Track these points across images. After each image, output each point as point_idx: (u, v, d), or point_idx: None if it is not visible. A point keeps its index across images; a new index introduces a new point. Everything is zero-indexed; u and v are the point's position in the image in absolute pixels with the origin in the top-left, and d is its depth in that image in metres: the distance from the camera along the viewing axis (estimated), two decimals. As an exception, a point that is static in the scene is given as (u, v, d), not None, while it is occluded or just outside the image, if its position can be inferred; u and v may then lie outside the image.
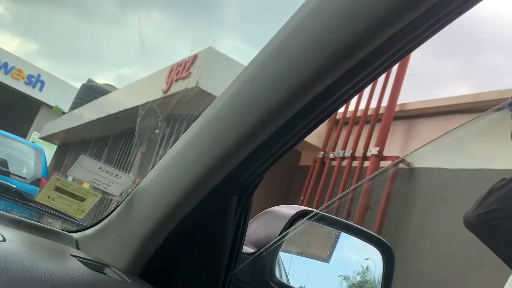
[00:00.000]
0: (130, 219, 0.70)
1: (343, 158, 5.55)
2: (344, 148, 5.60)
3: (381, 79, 5.40)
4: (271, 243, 0.73)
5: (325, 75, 0.50)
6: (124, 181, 0.78)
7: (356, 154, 5.35)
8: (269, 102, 0.53)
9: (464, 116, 4.36)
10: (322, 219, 0.86)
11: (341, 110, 6.08)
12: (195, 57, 6.83)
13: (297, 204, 5.68)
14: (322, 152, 6.00)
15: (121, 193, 0.79)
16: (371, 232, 0.93)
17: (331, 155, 5.80)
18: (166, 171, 0.66)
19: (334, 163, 5.69)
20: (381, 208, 4.65)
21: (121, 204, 0.74)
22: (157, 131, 7.12)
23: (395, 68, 5.21)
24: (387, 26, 0.45)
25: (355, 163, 5.32)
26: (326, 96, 0.52)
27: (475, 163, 4.04)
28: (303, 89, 0.51)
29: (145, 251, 0.67)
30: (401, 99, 5.16)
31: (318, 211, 0.83)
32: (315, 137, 6.28)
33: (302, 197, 5.82)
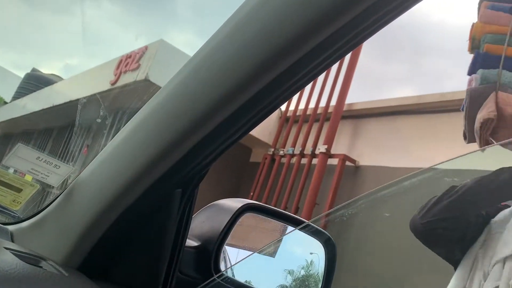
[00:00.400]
0: (69, 211, 0.68)
1: (293, 155, 5.63)
2: (293, 145, 5.68)
3: (330, 79, 5.51)
4: (215, 237, 0.73)
5: (269, 69, 0.50)
6: (64, 171, 0.74)
7: (305, 152, 5.44)
8: (214, 94, 0.53)
9: (408, 116, 4.54)
10: (267, 213, 0.86)
11: (292, 108, 6.16)
12: (145, 49, 6.69)
13: (246, 200, 5.72)
14: (272, 149, 6.05)
15: (60, 184, 0.76)
16: (315, 226, 0.94)
17: (281, 152, 5.86)
18: (107, 162, 0.64)
19: (284, 160, 5.76)
20: (327, 204, 4.75)
21: (60, 195, 0.71)
22: (98, 120, 6.91)
23: (344, 69, 5.34)
24: (328, 23, 0.45)
25: (304, 160, 5.40)
26: (270, 90, 0.52)
27: (416, 162, 4.22)
28: (248, 82, 0.51)
29: (84, 244, 0.64)
30: (349, 99, 5.30)
31: (264, 205, 0.83)
32: (266, 134, 6.33)
33: (252, 193, 5.85)
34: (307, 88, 5.95)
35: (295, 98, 6.12)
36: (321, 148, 5.13)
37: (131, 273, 0.67)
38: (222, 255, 1.01)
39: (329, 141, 5.13)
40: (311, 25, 0.45)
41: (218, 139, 0.58)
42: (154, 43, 6.64)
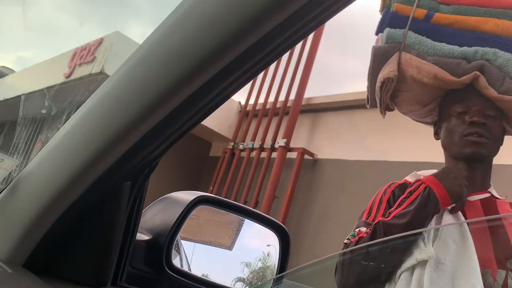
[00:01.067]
0: (12, 206, 0.65)
1: (252, 149, 5.65)
2: (253, 139, 5.70)
3: (289, 73, 5.56)
4: (167, 230, 0.72)
5: (217, 60, 0.50)
6: (8, 165, 0.72)
7: (265, 146, 5.47)
8: (161, 84, 0.52)
9: (364, 110, 4.64)
10: (221, 205, 0.86)
11: (251, 102, 6.17)
12: (100, 41, 6.53)
13: (205, 194, 5.70)
14: (232, 143, 6.05)
15: (5, 178, 0.73)
16: (269, 217, 0.95)
17: (241, 146, 5.87)
18: (53, 154, 0.62)
19: (244, 154, 5.78)
20: (286, 197, 4.81)
21: (4, 190, 0.68)
22: (43, 111, 6.70)
23: (302, 64, 5.39)
24: (271, 16, 0.46)
25: (264, 154, 5.44)
26: (219, 80, 0.52)
27: (372, 155, 4.33)
28: (196, 72, 0.51)
29: (29, 240, 0.62)
30: (308, 94, 5.37)
31: (217, 197, 0.83)
32: (226, 128, 6.32)
33: (211, 188, 5.83)
34: (267, 82, 5.98)
35: (254, 92, 6.14)
36: (280, 142, 5.17)
37: (80, 268, 0.65)
38: (177, 249, 1.00)
39: (288, 135, 5.18)
40: (254, 18, 0.45)
41: (168, 130, 0.58)
42: (110, 35, 6.49)
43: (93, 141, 0.58)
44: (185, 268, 1.02)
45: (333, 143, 4.91)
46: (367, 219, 1.36)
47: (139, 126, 0.56)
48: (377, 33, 1.51)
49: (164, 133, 0.58)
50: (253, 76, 0.56)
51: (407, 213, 1.16)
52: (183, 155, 6.43)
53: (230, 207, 0.87)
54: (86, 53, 6.85)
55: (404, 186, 1.41)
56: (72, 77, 6.88)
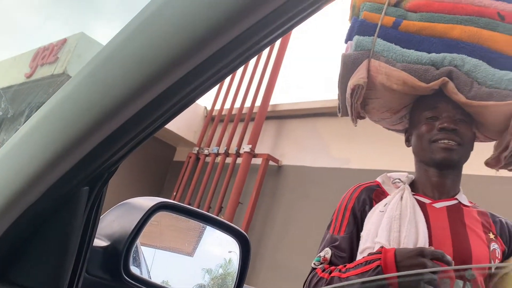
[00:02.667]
0: (-38, 211, 0.63)
1: (217, 154, 5.63)
2: (218, 144, 5.68)
3: (256, 80, 5.59)
4: (125, 236, 0.71)
5: (181, 64, 0.50)
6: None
7: (230, 151, 5.47)
8: (124, 87, 0.52)
9: (328, 118, 4.72)
10: (182, 211, 0.86)
11: (217, 107, 6.16)
12: (64, 42, 6.37)
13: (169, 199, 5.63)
14: (197, 148, 6.02)
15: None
16: (229, 223, 0.95)
17: (206, 151, 5.85)
18: (7, 158, 0.60)
19: (208, 159, 5.75)
20: (250, 203, 4.82)
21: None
22: (9, 115, 6.48)
23: (268, 70, 5.43)
24: (241, 20, 0.46)
25: (228, 160, 5.43)
26: (183, 85, 0.52)
27: (334, 162, 4.40)
28: (159, 76, 0.51)
29: (-20, 246, 0.60)
30: (273, 100, 5.41)
31: (178, 203, 0.83)
32: (191, 133, 6.28)
33: (174, 193, 5.77)
34: (233, 88, 5.99)
35: (220, 97, 6.13)
36: (246, 147, 5.19)
37: (34, 274, 0.64)
38: (137, 256, 0.99)
39: (254, 141, 5.20)
40: (219, 24, 0.46)
41: (128, 135, 0.57)
42: (74, 36, 6.35)
43: (50, 145, 0.56)
44: (145, 275, 1.01)
45: (297, 149, 4.96)
46: (333, 231, 1.37)
47: (99, 130, 0.55)
48: (346, 41, 1.53)
49: (124, 138, 0.57)
50: (218, 81, 0.56)
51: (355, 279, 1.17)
52: (146, 159, 6.34)
53: (191, 214, 0.87)
54: (49, 53, 6.67)
55: (370, 189, 1.42)
56: (34, 78, 6.68)
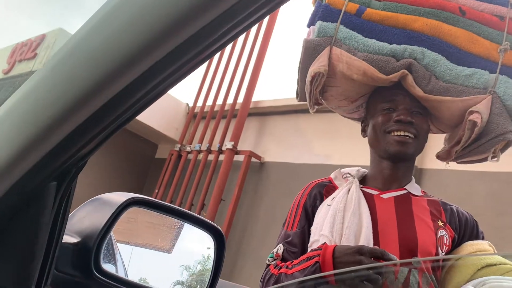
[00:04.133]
0: None
1: (200, 151, 5.61)
2: (201, 141, 5.66)
3: (238, 76, 5.57)
4: (96, 232, 0.70)
5: (149, 55, 0.49)
6: None
7: (212, 148, 5.45)
8: (89, 80, 0.51)
9: (310, 115, 4.73)
10: (155, 207, 0.85)
11: (199, 104, 6.13)
12: (43, 37, 6.27)
13: (151, 197, 5.60)
14: (179, 145, 5.98)
15: None
16: (203, 218, 0.95)
17: (188, 148, 5.81)
18: (-30, 152, 0.59)
19: (191, 156, 5.72)
20: (233, 200, 4.81)
21: None
22: None
23: (251, 67, 5.42)
24: (203, 13, 0.46)
25: (211, 157, 5.41)
26: (149, 78, 0.51)
27: (316, 158, 4.42)
28: (125, 68, 0.50)
29: None
30: (256, 97, 5.40)
31: (151, 199, 0.82)
32: (173, 129, 6.24)
33: (156, 190, 5.73)
34: (215, 84, 5.97)
35: (203, 94, 6.10)
36: (228, 144, 5.17)
37: (1, 273, 0.62)
38: (113, 253, 0.97)
39: (236, 138, 5.19)
40: (184, 15, 0.45)
41: (95, 129, 0.56)
42: (53, 32, 6.26)
43: (15, 139, 0.55)
44: (121, 272, 1.00)
45: (280, 146, 4.97)
46: (287, 227, 1.39)
47: (65, 123, 0.54)
48: (308, 26, 1.50)
49: (91, 132, 0.56)
50: (185, 74, 0.55)
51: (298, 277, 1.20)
52: (127, 156, 6.29)
53: (164, 209, 0.86)
54: (27, 49, 6.56)
55: (321, 185, 1.44)
56: (11, 74, 6.56)
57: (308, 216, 1.38)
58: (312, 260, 1.17)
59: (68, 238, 0.71)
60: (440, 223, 1.30)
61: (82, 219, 0.73)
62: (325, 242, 1.22)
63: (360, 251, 1.10)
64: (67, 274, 0.70)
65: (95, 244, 0.69)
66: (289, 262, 1.27)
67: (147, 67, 0.50)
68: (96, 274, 0.70)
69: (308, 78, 1.40)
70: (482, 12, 1.41)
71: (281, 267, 1.28)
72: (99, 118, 0.54)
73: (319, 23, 1.41)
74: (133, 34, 0.48)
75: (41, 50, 6.25)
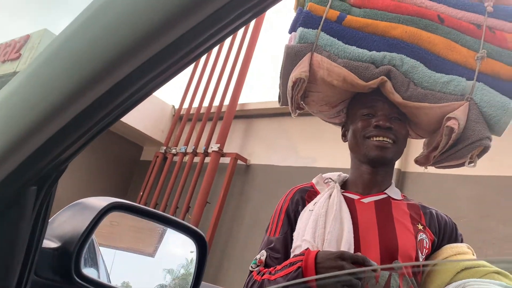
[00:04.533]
0: None
1: (185, 153, 5.58)
2: (186, 144, 5.63)
3: (224, 79, 5.57)
4: (77, 237, 0.70)
5: (131, 58, 0.49)
6: None
7: (198, 150, 5.43)
8: (70, 83, 0.50)
9: (296, 118, 4.75)
10: (136, 212, 0.84)
11: (185, 106, 6.11)
12: (27, 38, 6.20)
13: (135, 200, 5.52)
14: (164, 147, 5.95)
15: None
16: (185, 223, 0.95)
17: (174, 151, 5.79)
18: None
19: (176, 158, 5.70)
20: (218, 203, 4.80)
21: None
22: None
23: (237, 70, 5.42)
24: (193, 14, 0.46)
25: (197, 159, 5.39)
26: (132, 81, 0.51)
27: (302, 161, 4.44)
28: (107, 71, 0.50)
29: None
30: (242, 99, 5.40)
31: (133, 203, 0.81)
32: (158, 132, 6.21)
33: (141, 193, 5.69)
34: (201, 87, 5.96)
35: (189, 96, 6.09)
36: (214, 147, 5.16)
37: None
38: (95, 257, 0.97)
39: (222, 140, 5.18)
40: (171, 17, 0.45)
41: (76, 132, 0.55)
42: (38, 32, 6.19)
43: (-7, 144, 0.55)
44: (103, 277, 0.99)
45: (265, 149, 4.98)
46: (270, 233, 1.40)
47: (45, 127, 0.53)
48: (290, 32, 1.53)
49: (73, 135, 0.56)
50: (170, 77, 0.55)
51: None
52: (112, 159, 6.24)
53: (146, 214, 0.86)
54: (11, 49, 6.47)
55: (303, 190, 1.45)
56: (-7, 74, 6.46)
57: (290, 221, 1.39)
58: (294, 265, 1.18)
59: (48, 243, 0.70)
60: (420, 227, 1.32)
61: (63, 223, 0.73)
62: (308, 248, 1.23)
63: (341, 256, 1.11)
64: (47, 279, 0.69)
65: (75, 249, 0.69)
66: (272, 268, 1.28)
67: (131, 70, 0.50)
68: (77, 279, 0.69)
69: (290, 84, 1.42)
70: (460, 20, 1.44)
71: (264, 273, 1.28)
72: (81, 122, 0.54)
73: (300, 29, 1.43)
74: (117, 36, 0.48)
75: (25, 51, 6.18)
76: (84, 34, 0.51)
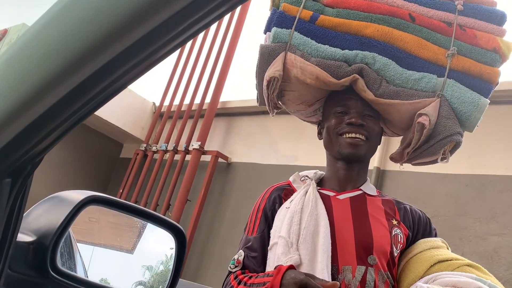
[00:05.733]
0: None
1: (166, 151, 5.54)
2: (167, 141, 5.60)
3: (206, 76, 5.55)
4: (53, 231, 0.69)
5: (103, 51, 0.48)
6: None
7: (179, 148, 5.40)
8: (43, 74, 0.50)
9: (276, 117, 4.76)
10: (114, 206, 0.84)
11: (166, 103, 6.07)
12: (4, 33, 6.06)
13: (115, 197, 5.49)
14: (144, 145, 5.90)
15: None
16: (164, 217, 0.94)
17: (154, 148, 5.74)
18: None
19: (157, 156, 5.65)
20: (199, 200, 4.78)
21: None
22: None
23: (219, 67, 5.41)
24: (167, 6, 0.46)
25: (177, 157, 5.36)
26: (105, 74, 0.51)
27: (283, 159, 4.45)
28: (80, 64, 0.49)
29: None
30: (223, 97, 5.39)
31: (110, 197, 0.81)
32: (138, 129, 6.15)
33: (121, 190, 5.63)
34: (183, 84, 5.92)
35: (170, 93, 6.05)
36: (195, 144, 5.14)
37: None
38: (72, 253, 0.95)
39: (203, 138, 5.16)
40: (139, 12, 0.45)
41: (50, 125, 0.55)
42: (16, 27, 6.06)
43: (-34, 134, 0.53)
44: (80, 272, 0.98)
45: (247, 147, 4.98)
46: (248, 232, 1.41)
47: (19, 118, 0.52)
48: (265, 32, 1.56)
49: (47, 127, 0.55)
50: (145, 70, 0.55)
51: None
52: (91, 155, 6.16)
53: (124, 208, 0.85)
54: (-14, 44, 6.33)
55: (280, 188, 1.47)
56: (-31, 69, 6.31)
57: (267, 219, 1.40)
58: (266, 278, 1.19)
59: (23, 237, 0.69)
60: (395, 222, 1.34)
61: (38, 217, 0.72)
62: (280, 265, 1.21)
63: (305, 285, 1.07)
64: (22, 274, 0.68)
65: (51, 243, 0.68)
66: (247, 278, 1.28)
67: (104, 62, 0.50)
68: (52, 273, 0.68)
69: (264, 83, 1.44)
70: (431, 18, 1.46)
71: (240, 281, 1.29)
72: (55, 114, 0.53)
73: (274, 29, 1.46)
74: (91, 27, 0.48)
75: (3, 46, 6.05)
76: (57, 25, 0.50)
